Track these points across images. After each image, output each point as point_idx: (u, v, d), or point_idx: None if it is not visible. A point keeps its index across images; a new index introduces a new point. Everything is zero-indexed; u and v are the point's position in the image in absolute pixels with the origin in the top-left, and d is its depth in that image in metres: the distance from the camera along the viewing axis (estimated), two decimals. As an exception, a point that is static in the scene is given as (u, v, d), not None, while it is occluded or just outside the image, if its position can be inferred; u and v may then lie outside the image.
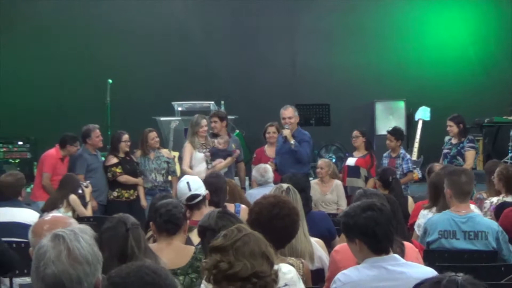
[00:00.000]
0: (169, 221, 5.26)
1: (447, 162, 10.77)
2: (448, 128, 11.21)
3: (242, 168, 11.99)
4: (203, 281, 3.89)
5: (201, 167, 10.96)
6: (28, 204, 9.13)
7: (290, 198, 5.45)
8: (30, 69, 17.13)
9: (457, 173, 6.58)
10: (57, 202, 9.17)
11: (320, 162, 11.30)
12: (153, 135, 11.24)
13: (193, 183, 6.45)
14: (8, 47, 16.93)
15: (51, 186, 10.83)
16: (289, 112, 11.01)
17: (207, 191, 6.55)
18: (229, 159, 11.15)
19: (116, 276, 2.80)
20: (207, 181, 7.03)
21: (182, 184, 6.49)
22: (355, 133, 11.78)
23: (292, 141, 10.84)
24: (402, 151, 11.60)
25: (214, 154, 11.04)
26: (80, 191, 9.67)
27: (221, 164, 10.98)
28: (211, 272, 3.42)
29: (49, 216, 4.05)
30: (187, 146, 11.11)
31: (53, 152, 11.12)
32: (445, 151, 11.29)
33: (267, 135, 11.91)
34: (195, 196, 6.38)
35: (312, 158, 13.07)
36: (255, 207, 4.80)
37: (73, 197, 9.29)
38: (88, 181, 10.15)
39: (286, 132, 10.91)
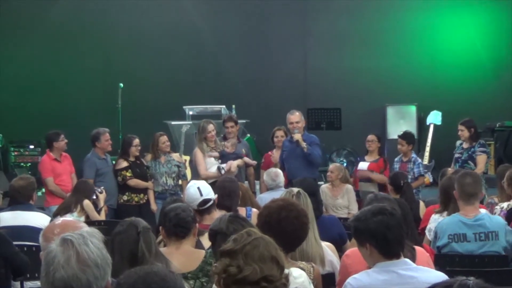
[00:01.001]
0: (178, 225, 5.26)
1: (458, 167, 10.75)
2: (460, 133, 11.19)
3: (252, 172, 12.02)
4: (214, 286, 3.89)
5: (213, 170, 11.00)
6: (41, 208, 9.15)
7: (301, 202, 5.45)
8: (42, 73, 17.19)
9: (463, 175, 6.64)
10: (71, 206, 9.17)
11: (331, 166, 11.30)
12: (163, 139, 11.25)
13: (203, 188, 6.40)
14: (20, 51, 17.00)
15: (58, 188, 10.88)
16: (296, 117, 11.04)
17: (216, 195, 6.53)
18: (240, 160, 11.16)
19: (124, 283, 2.79)
20: (221, 185, 7.02)
21: (192, 190, 6.42)
22: (372, 137, 11.74)
23: (304, 145, 10.84)
24: (413, 155, 11.58)
25: (224, 157, 11.07)
26: (94, 197, 9.72)
27: (233, 163, 10.98)
28: (220, 276, 3.42)
29: (60, 220, 4.05)
30: (198, 153, 11.13)
31: (45, 157, 11.19)
32: (456, 155, 11.26)
33: (275, 139, 11.94)
34: (207, 200, 6.36)
35: (323, 162, 13.06)
36: (264, 211, 4.80)
37: (86, 202, 9.29)
38: (102, 187, 10.17)
39: (298, 136, 10.91)
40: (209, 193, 6.40)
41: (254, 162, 11.65)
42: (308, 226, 4.90)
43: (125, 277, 2.82)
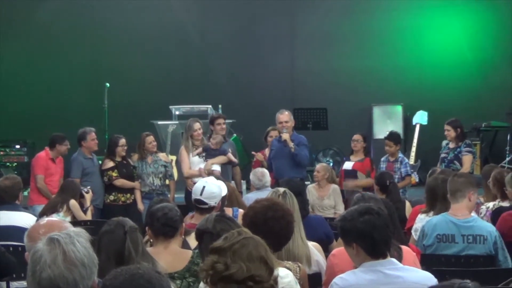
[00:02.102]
0: (166, 225, 5.25)
1: (444, 167, 10.76)
2: (446, 133, 11.21)
3: (238, 172, 12.03)
4: (202, 283, 3.90)
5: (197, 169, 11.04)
6: (25, 208, 9.12)
7: (287, 202, 5.46)
8: (28, 72, 17.12)
9: (452, 176, 6.66)
10: (57, 206, 9.16)
11: (318, 166, 11.31)
12: (150, 139, 11.24)
13: (208, 190, 6.36)
14: (6, 50, 16.92)
15: (46, 188, 10.86)
16: (285, 116, 11.07)
17: (218, 203, 6.49)
18: (221, 157, 11.15)
19: (110, 284, 2.78)
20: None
21: (199, 185, 6.45)
22: (357, 137, 11.71)
23: (292, 145, 10.86)
24: (400, 155, 11.58)
25: (207, 153, 11.07)
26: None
27: (208, 163, 10.98)
28: (208, 273, 3.42)
29: (45, 220, 4.05)
30: (182, 151, 11.16)
31: (43, 154, 11.17)
32: (442, 155, 11.28)
33: (268, 138, 11.91)
34: (202, 202, 6.35)
35: (310, 162, 13.06)
36: (249, 212, 4.79)
37: (73, 202, 9.28)
38: (88, 187, 10.16)
39: (286, 136, 10.94)
40: (210, 197, 6.36)
41: (235, 160, 11.57)
42: (293, 224, 4.91)
43: (111, 278, 2.80)
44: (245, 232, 3.58)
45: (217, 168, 10.92)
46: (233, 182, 11.50)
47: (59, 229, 3.26)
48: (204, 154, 11.07)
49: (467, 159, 10.98)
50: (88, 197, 9.93)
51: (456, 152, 11.07)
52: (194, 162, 11.09)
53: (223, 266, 3.38)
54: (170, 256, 5.16)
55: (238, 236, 3.49)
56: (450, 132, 11.15)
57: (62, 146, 11.10)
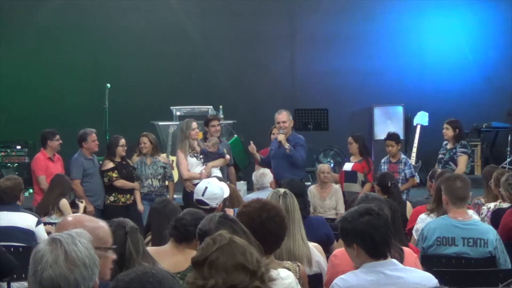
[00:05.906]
0: (176, 228, 5.31)
1: (441, 167, 10.69)
2: (444, 131, 11.07)
3: (232, 172, 12.07)
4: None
5: (196, 171, 11.01)
6: (29, 208, 9.12)
7: (287, 203, 5.46)
8: (29, 73, 17.15)
9: (452, 179, 6.54)
10: (49, 208, 9.15)
11: (323, 167, 11.25)
12: (142, 140, 11.19)
13: (210, 191, 6.45)
14: (7, 51, 16.94)
15: None
16: (283, 117, 11.04)
17: (219, 204, 6.52)
18: (221, 159, 11.15)
19: (121, 280, 2.79)
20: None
21: (201, 186, 6.54)
22: (349, 139, 11.72)
23: (287, 146, 10.85)
24: (403, 156, 11.52)
25: (206, 156, 11.07)
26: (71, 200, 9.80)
27: (211, 163, 10.98)
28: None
29: (71, 217, 4.02)
30: (179, 153, 11.12)
31: (40, 155, 11.17)
32: (440, 156, 11.23)
33: (272, 136, 11.90)
34: (203, 203, 6.37)
35: (310, 162, 13.07)
36: (243, 218, 4.71)
37: (63, 202, 9.27)
38: (82, 201, 10.21)
39: (281, 137, 10.94)
40: (212, 198, 6.42)
41: (227, 157, 11.52)
42: (287, 219, 4.89)
43: (124, 274, 2.83)
44: (222, 238, 3.49)
45: (218, 174, 10.88)
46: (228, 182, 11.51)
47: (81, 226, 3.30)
48: (202, 157, 11.05)
49: (462, 159, 10.88)
50: (81, 206, 9.94)
51: (452, 153, 10.99)
52: (193, 163, 11.07)
53: (202, 282, 3.34)
54: (175, 256, 5.20)
55: (213, 245, 3.42)
56: (448, 131, 11.03)
57: (54, 141, 11.09)
